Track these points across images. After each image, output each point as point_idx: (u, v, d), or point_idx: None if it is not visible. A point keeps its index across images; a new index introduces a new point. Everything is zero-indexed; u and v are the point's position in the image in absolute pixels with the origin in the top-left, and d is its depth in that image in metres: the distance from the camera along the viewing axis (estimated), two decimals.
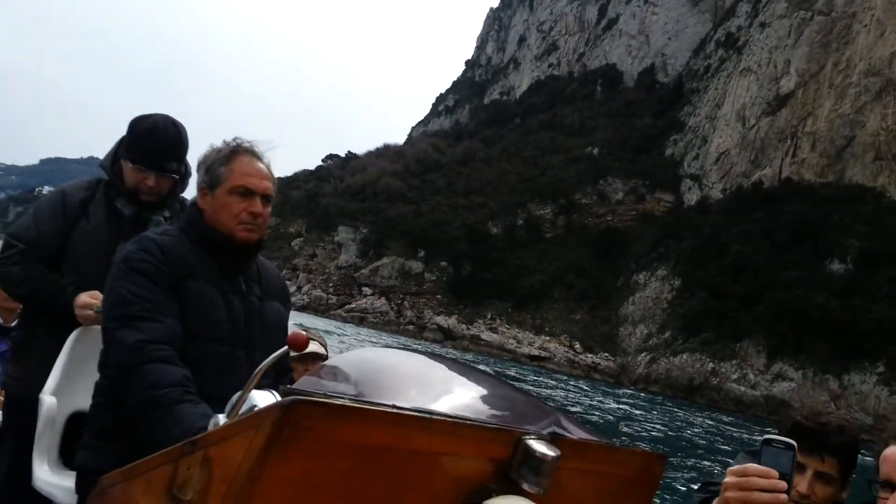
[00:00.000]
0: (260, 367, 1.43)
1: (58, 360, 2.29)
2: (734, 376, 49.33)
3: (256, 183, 2.02)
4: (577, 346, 64.01)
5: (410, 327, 67.10)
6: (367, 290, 73.32)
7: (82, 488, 1.86)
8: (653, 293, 65.10)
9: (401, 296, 72.04)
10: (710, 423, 31.81)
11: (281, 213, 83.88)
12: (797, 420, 1.85)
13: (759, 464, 1.33)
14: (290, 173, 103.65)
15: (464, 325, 66.85)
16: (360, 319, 67.52)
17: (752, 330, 50.42)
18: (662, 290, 64.06)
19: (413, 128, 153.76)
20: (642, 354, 58.60)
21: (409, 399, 1.13)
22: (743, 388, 48.23)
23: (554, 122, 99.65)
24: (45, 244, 2.49)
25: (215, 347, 1.90)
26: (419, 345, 53.08)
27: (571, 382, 43.71)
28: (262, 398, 1.29)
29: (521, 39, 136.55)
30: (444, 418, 1.08)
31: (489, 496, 1.11)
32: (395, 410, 1.03)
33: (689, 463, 17.05)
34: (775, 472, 1.31)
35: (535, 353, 62.42)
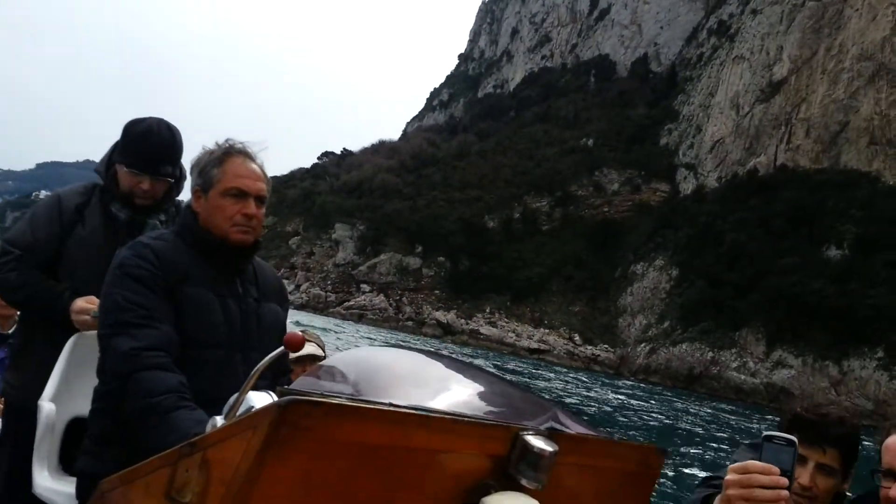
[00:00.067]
0: (256, 367, 1.43)
1: (56, 367, 2.29)
2: (734, 365, 49.45)
3: (250, 184, 2.00)
4: (577, 338, 64.12)
5: (409, 323, 67.15)
6: (365, 287, 73.35)
7: (82, 494, 1.86)
8: (651, 283, 65.22)
9: (399, 292, 72.08)
10: (711, 412, 31.91)
11: (278, 211, 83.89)
12: (798, 412, 1.85)
13: (761, 460, 1.33)
14: (285, 172, 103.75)
15: (463, 320, 66.91)
16: (359, 316, 67.56)
17: (751, 318, 50.54)
18: (660, 280, 64.17)
19: (408, 123, 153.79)
20: (642, 345, 58.72)
21: (407, 397, 1.13)
22: (743, 377, 48.35)
23: (548, 114, 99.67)
24: (42, 250, 2.48)
25: (212, 351, 1.90)
26: (418, 340, 53.14)
27: (571, 375, 43.80)
28: (259, 399, 1.29)
29: (514, 32, 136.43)
30: (441, 415, 1.08)
31: (488, 492, 1.11)
32: (392, 408, 1.03)
33: (690, 453, 17.09)
34: (777, 469, 1.31)
35: (535, 346, 62.51)
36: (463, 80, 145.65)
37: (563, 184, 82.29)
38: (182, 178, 2.62)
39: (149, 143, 2.48)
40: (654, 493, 1.40)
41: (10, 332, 3.90)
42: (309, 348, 2.74)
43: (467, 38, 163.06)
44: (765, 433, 1.38)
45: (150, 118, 2.54)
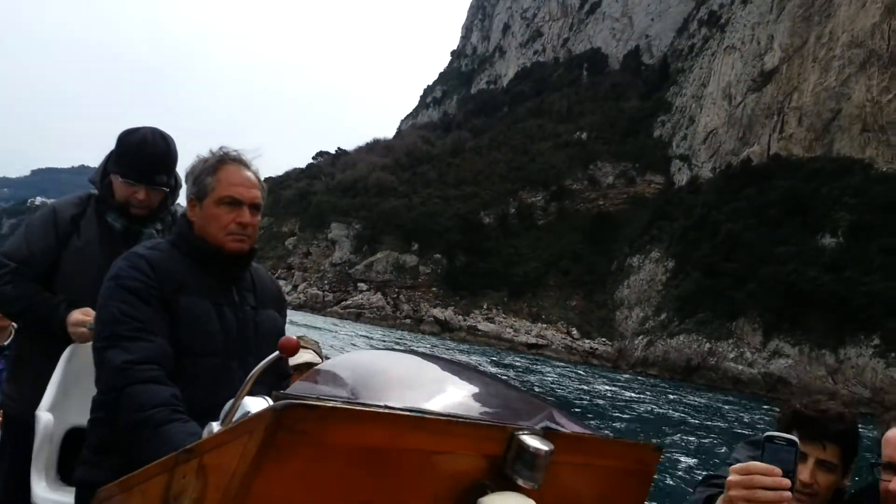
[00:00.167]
0: (251, 373, 1.44)
1: (52, 377, 2.30)
2: (731, 355, 49.57)
3: (244, 192, 2.00)
4: (574, 332, 64.22)
5: (407, 321, 67.19)
6: (362, 285, 73.36)
7: (81, 503, 1.86)
8: (647, 276, 65.33)
9: (396, 290, 72.10)
10: (710, 403, 31.99)
11: (274, 212, 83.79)
12: (797, 408, 1.85)
13: (762, 461, 1.33)
14: (280, 172, 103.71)
15: (460, 317, 66.97)
16: (357, 315, 67.58)
17: (748, 308, 50.64)
18: (656, 272, 64.28)
19: (402, 121, 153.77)
20: (639, 338, 58.81)
21: (402, 399, 1.13)
22: (740, 367, 48.45)
23: (541, 109, 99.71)
24: (38, 262, 2.49)
25: (209, 361, 1.90)
26: (416, 337, 53.18)
27: (569, 369, 43.88)
28: (255, 404, 1.29)
29: (506, 27, 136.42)
30: (436, 417, 1.08)
31: (484, 493, 1.11)
32: (387, 411, 1.03)
33: (689, 446, 17.14)
34: (779, 470, 1.31)
35: (533, 341, 62.59)
36: (456, 77, 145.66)
37: (558, 178, 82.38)
38: (177, 186, 2.63)
39: (143, 153, 2.49)
40: (651, 490, 1.41)
41: (7, 343, 3.91)
42: (306, 356, 2.73)
43: (459, 34, 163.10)
44: (766, 434, 1.38)
45: (144, 128, 2.55)
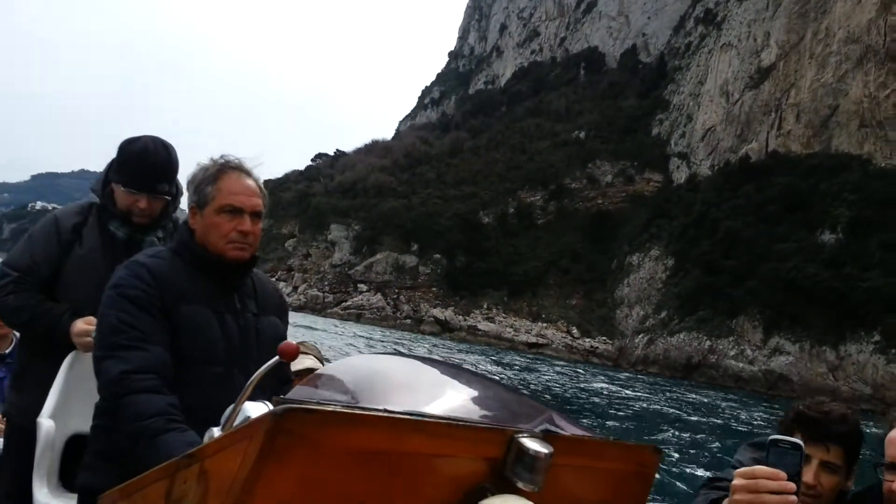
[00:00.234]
0: (252, 378, 1.45)
1: (54, 384, 2.31)
2: (732, 353, 49.55)
3: (244, 200, 2.01)
4: (575, 331, 64.20)
5: (408, 321, 67.16)
6: (362, 286, 73.33)
7: None
8: (647, 274, 65.32)
9: (396, 290, 72.07)
10: (710, 401, 31.96)
11: (273, 214, 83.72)
12: (800, 410, 1.85)
13: (767, 465, 1.34)
14: (279, 175, 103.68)
15: (460, 317, 66.94)
16: (358, 316, 67.55)
17: (748, 305, 50.63)
18: (656, 270, 64.27)
19: (400, 122, 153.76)
20: (640, 336, 58.80)
21: (402, 403, 1.13)
22: (741, 365, 48.43)
23: (539, 108, 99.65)
24: (40, 271, 2.50)
25: (211, 369, 1.90)
26: (417, 338, 53.14)
27: (570, 368, 43.86)
28: (255, 409, 1.29)
29: (503, 27, 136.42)
30: (436, 420, 1.09)
31: (485, 496, 1.12)
32: (387, 414, 1.04)
33: (689, 444, 17.13)
34: (784, 474, 1.31)
35: (533, 340, 62.57)
36: (454, 78, 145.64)
37: (557, 177, 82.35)
38: (178, 194, 2.65)
39: (145, 162, 2.50)
40: (651, 490, 1.41)
41: (8, 351, 3.91)
42: (307, 361, 2.73)
43: (456, 35, 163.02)
44: (770, 437, 1.38)
45: (145, 137, 2.56)
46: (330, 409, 0.99)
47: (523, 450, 1.12)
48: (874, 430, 1.87)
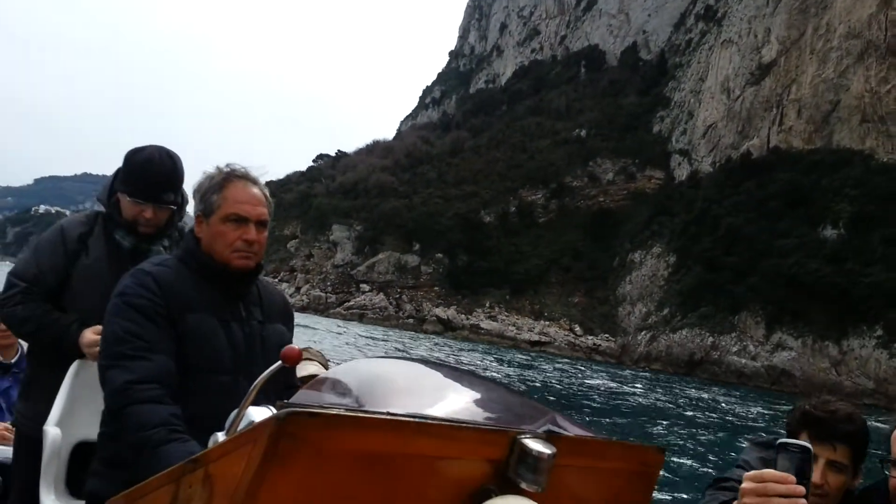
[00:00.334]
0: (255, 383, 1.46)
1: (60, 392, 2.32)
2: (734, 349, 49.54)
3: (250, 209, 2.01)
4: (577, 328, 64.20)
5: (410, 321, 67.18)
6: (365, 286, 73.36)
7: None
8: (649, 271, 65.29)
9: (399, 290, 72.10)
10: (713, 397, 31.96)
11: (275, 215, 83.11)
12: (806, 409, 1.85)
13: (776, 468, 1.34)
14: (281, 176, 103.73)
15: (463, 316, 66.96)
16: (360, 316, 67.58)
17: (750, 301, 50.61)
18: (658, 267, 64.24)
19: (401, 122, 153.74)
20: (642, 333, 58.81)
21: (405, 406, 1.14)
22: (744, 361, 48.43)
23: (540, 107, 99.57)
24: (47, 281, 2.51)
25: (217, 377, 1.91)
26: (419, 337, 53.15)
27: (572, 366, 43.86)
28: (259, 413, 1.30)
29: (503, 26, 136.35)
30: (439, 422, 1.09)
31: (488, 497, 1.12)
32: (390, 417, 1.04)
33: (692, 441, 17.12)
34: (793, 478, 1.32)
35: (536, 338, 62.57)
36: (454, 77, 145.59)
37: (558, 175, 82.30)
38: (184, 203, 2.66)
39: (150, 172, 2.51)
40: (655, 488, 1.41)
41: (14, 360, 3.91)
42: (311, 367, 2.72)
43: (457, 34, 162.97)
44: (779, 441, 1.39)
45: (151, 146, 2.57)
46: (333, 412, 0.99)
47: (526, 451, 1.12)
48: (877, 424, 1.87)
